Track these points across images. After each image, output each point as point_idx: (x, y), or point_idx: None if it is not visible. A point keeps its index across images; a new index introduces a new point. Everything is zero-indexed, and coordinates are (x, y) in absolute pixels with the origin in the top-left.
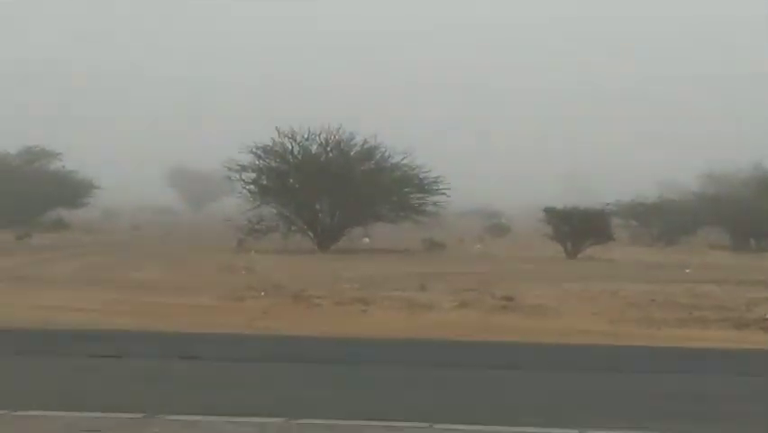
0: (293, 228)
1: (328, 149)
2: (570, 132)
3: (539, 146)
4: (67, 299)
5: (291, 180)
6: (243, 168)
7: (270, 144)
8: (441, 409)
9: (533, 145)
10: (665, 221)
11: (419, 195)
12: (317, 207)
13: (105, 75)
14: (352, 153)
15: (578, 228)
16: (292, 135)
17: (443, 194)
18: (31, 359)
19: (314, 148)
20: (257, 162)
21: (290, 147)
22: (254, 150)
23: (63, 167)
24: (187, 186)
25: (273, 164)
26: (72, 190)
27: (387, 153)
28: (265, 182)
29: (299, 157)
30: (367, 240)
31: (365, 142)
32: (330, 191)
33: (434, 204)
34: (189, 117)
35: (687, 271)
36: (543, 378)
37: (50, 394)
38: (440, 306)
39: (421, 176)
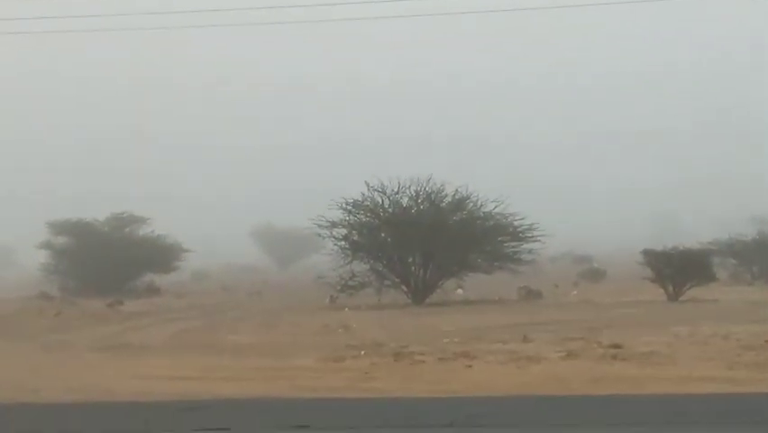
0: (386, 283)
1: (419, 201)
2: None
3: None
4: (165, 367)
5: (383, 235)
6: (333, 224)
7: (360, 199)
8: None
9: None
10: (766, 258)
11: (513, 243)
12: (410, 260)
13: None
14: (443, 204)
15: (679, 269)
16: (382, 189)
17: (538, 241)
18: None
19: (404, 201)
20: (347, 218)
21: (380, 201)
22: (344, 205)
23: (152, 231)
24: (272, 243)
25: (364, 219)
26: (162, 254)
27: (479, 202)
28: (356, 238)
29: (390, 210)
30: (461, 291)
31: (456, 192)
32: (422, 244)
33: (529, 251)
34: (271, 174)
35: None
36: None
37: None
38: (546, 357)
39: (515, 223)
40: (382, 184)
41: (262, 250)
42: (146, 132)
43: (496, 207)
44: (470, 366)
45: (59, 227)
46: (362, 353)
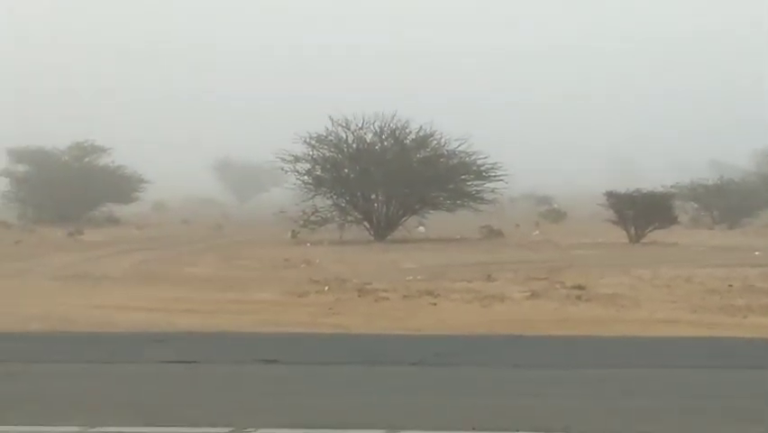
0: (348, 219)
1: (383, 137)
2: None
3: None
4: (124, 298)
5: (346, 170)
6: (297, 158)
7: (324, 134)
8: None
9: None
10: (726, 203)
11: (477, 182)
12: (373, 196)
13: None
14: (407, 141)
15: (642, 212)
16: (346, 124)
17: (501, 180)
18: (100, 366)
19: (368, 137)
20: (310, 153)
21: (344, 136)
22: (308, 140)
23: (112, 162)
24: (233, 177)
25: (327, 154)
26: (122, 185)
27: (443, 140)
28: (319, 173)
29: (354, 146)
30: (422, 229)
31: (420, 129)
32: (385, 180)
33: (492, 191)
34: (234, 108)
35: (756, 253)
36: (650, 376)
37: (128, 407)
38: (510, 297)
39: (478, 162)
40: (346, 119)
41: (222, 183)
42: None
43: (459, 145)
44: (434, 304)
45: (19, 155)
46: (326, 288)
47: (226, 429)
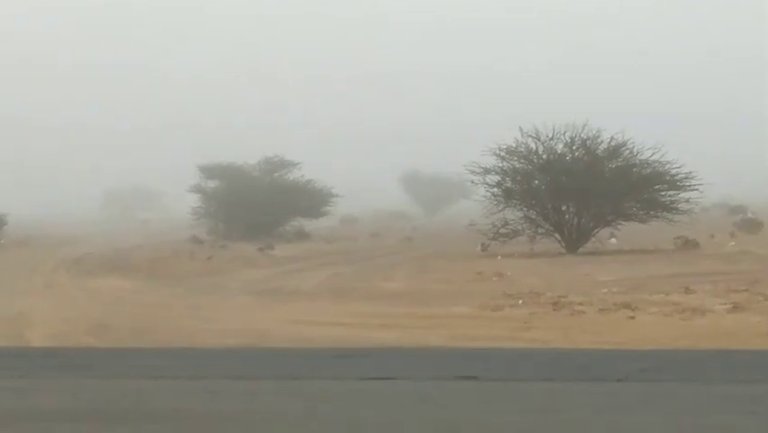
0: (539, 231)
1: (574, 147)
2: None
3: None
4: (318, 313)
5: (536, 182)
6: (486, 170)
7: (514, 145)
8: None
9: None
10: None
11: (671, 192)
12: (564, 208)
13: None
14: (598, 151)
15: None
16: (536, 135)
17: (696, 189)
18: (301, 383)
19: (559, 147)
20: (500, 164)
21: (534, 147)
22: (497, 151)
23: (302, 176)
24: (422, 190)
25: (517, 165)
26: (312, 199)
27: (635, 149)
28: (509, 184)
29: (544, 157)
30: (614, 240)
31: (612, 139)
32: (577, 191)
33: (686, 201)
34: (420, 122)
35: None
36: None
37: (333, 425)
38: (711, 309)
39: (672, 171)
40: (536, 130)
41: (410, 196)
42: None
43: (653, 154)
44: (632, 318)
45: (210, 171)
46: (520, 302)
47: None
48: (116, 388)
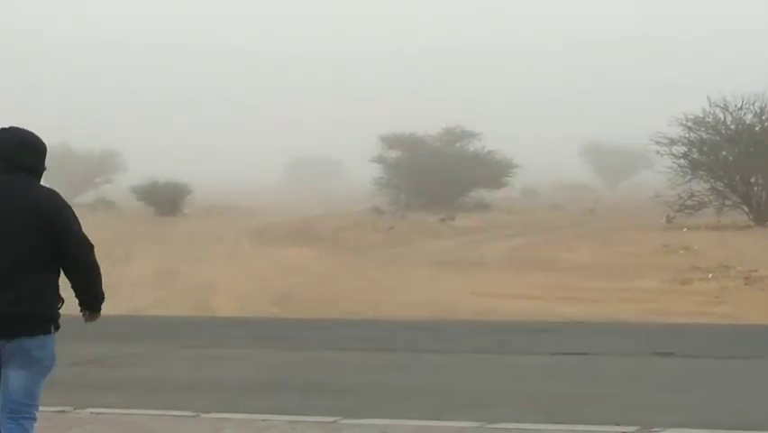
0: (726, 203)
1: (764, 118)
2: None
3: None
4: (503, 285)
5: (724, 153)
6: (672, 141)
7: (701, 115)
8: None
9: None
10: None
11: None
12: (752, 180)
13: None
14: None
15: None
16: (724, 105)
17: None
18: (490, 357)
19: (748, 118)
20: (687, 135)
21: (722, 117)
22: (684, 122)
23: (483, 147)
24: (603, 161)
25: (704, 136)
26: (492, 171)
27: None
28: (696, 155)
29: (732, 128)
30: None
31: None
32: (766, 163)
33: None
34: (599, 90)
35: None
36: None
37: (525, 402)
38: None
39: None
40: (725, 100)
41: (591, 168)
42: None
43: None
44: None
45: (391, 141)
46: (710, 276)
47: (631, 428)
48: (306, 359)
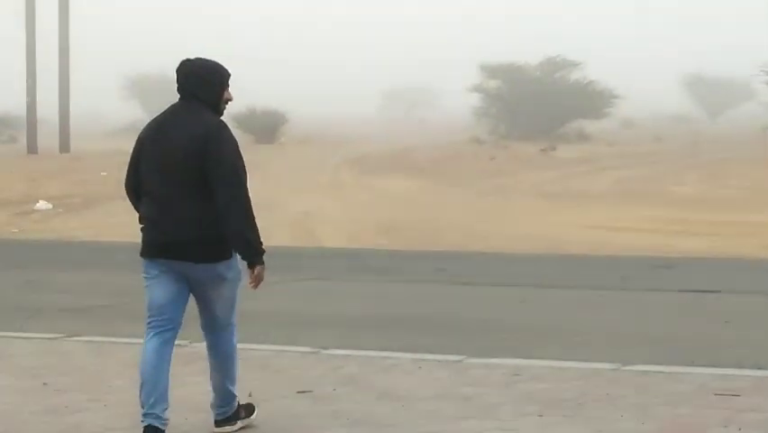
0: None
1: None
2: None
3: None
4: (611, 218)
5: None
6: None
7: None
8: None
9: None
10: None
11: None
12: None
13: None
14: None
15: None
16: None
17: None
18: (617, 294)
19: None
20: None
21: None
22: None
23: (584, 77)
24: (704, 93)
25: None
26: (593, 101)
27: None
28: None
29: None
30: None
31: None
32: None
33: None
34: (701, 19)
35: None
36: None
37: (660, 343)
38: None
39: None
40: None
41: (692, 99)
42: None
43: None
44: None
45: (492, 70)
46: None
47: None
48: (422, 293)
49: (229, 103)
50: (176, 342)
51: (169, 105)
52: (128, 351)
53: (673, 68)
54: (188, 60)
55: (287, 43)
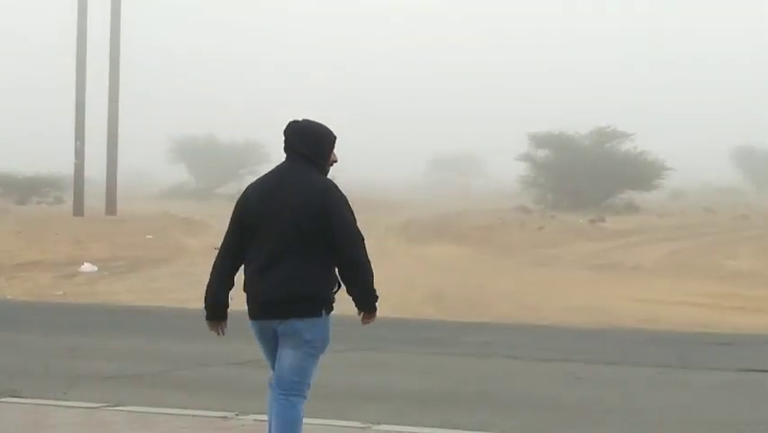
0: None
1: None
2: None
3: None
4: (663, 291)
5: None
6: None
7: None
8: None
9: None
10: None
11: None
12: None
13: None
14: None
15: None
16: None
17: None
18: (671, 373)
19: None
20: None
21: None
22: None
23: (635, 147)
24: (754, 164)
25: None
26: (643, 171)
27: None
28: None
29: None
30: None
31: None
32: None
33: None
34: (748, 94)
35: None
36: None
37: (708, 425)
38: None
39: None
40: None
41: (742, 171)
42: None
43: None
44: None
45: (540, 139)
46: None
47: None
48: (473, 367)
49: (334, 164)
50: (222, 413)
51: (274, 165)
52: (172, 422)
53: (723, 140)
54: (297, 121)
55: (329, 106)
